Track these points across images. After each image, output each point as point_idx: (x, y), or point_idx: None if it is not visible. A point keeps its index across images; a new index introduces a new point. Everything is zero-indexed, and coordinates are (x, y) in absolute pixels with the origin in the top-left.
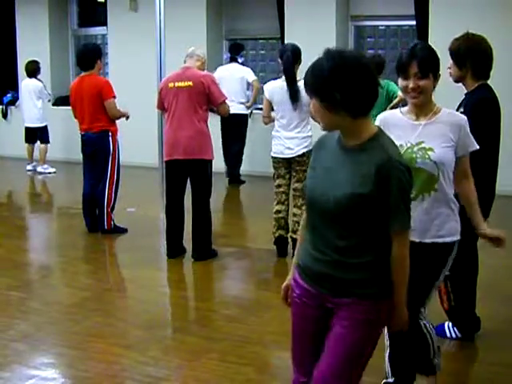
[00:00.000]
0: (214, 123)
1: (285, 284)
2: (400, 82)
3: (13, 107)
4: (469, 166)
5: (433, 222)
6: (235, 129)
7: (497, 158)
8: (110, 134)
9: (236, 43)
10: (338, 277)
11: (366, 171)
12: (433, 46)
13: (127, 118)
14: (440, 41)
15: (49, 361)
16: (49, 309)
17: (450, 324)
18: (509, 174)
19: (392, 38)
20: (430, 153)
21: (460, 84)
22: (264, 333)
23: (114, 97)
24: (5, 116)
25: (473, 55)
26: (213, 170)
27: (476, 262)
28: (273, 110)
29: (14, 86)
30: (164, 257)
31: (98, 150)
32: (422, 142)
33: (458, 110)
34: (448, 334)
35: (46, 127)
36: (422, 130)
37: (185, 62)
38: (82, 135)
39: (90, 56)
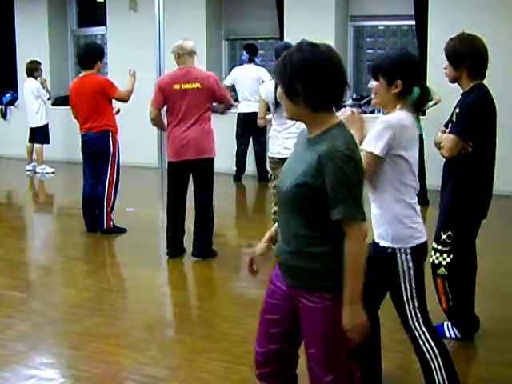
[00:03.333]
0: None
1: (251, 250)
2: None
3: (12, 107)
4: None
5: (380, 226)
6: (256, 127)
7: (493, 158)
8: (111, 134)
9: (251, 44)
10: (297, 266)
11: (311, 161)
12: (431, 46)
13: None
14: (439, 41)
15: (48, 361)
16: (48, 309)
17: (449, 324)
18: (507, 174)
19: (391, 38)
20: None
21: (456, 84)
22: None
23: (117, 89)
24: (4, 116)
25: (468, 55)
26: (215, 170)
27: (474, 262)
28: (269, 110)
29: (14, 86)
30: (164, 257)
31: (98, 150)
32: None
33: (454, 109)
34: (447, 334)
35: (43, 127)
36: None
37: (176, 56)
38: (83, 135)
39: (92, 55)
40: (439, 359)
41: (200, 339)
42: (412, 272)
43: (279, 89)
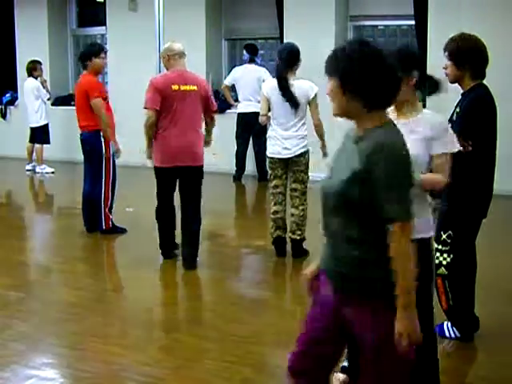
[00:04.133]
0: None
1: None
2: None
3: (12, 107)
4: (443, 164)
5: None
6: (257, 127)
7: (494, 158)
8: (102, 133)
9: (252, 44)
10: (345, 272)
11: (358, 159)
12: (431, 46)
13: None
14: (439, 40)
15: (48, 361)
16: (48, 309)
17: (449, 324)
18: (507, 174)
19: (391, 38)
20: None
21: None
22: (264, 333)
23: (99, 97)
24: (4, 116)
25: (472, 55)
26: (215, 170)
27: (474, 262)
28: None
29: (14, 86)
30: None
31: (91, 149)
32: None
33: (455, 110)
34: (447, 334)
35: (43, 127)
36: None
37: (166, 58)
38: (80, 135)
39: (83, 56)
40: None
41: (200, 339)
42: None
43: (332, 82)
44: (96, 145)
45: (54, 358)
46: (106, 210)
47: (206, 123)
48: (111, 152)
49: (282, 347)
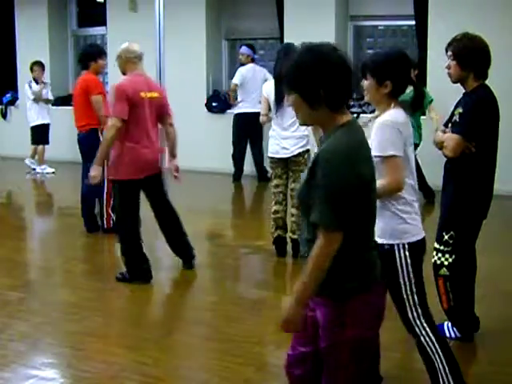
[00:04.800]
0: (216, 123)
1: None
2: None
3: (12, 107)
4: (384, 170)
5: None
6: (257, 127)
7: (495, 159)
8: (99, 132)
9: (251, 44)
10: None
11: (312, 163)
12: (432, 46)
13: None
14: (439, 41)
15: (48, 361)
16: (48, 309)
17: (450, 324)
18: (507, 174)
19: (391, 38)
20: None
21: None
22: (264, 333)
23: (101, 93)
24: (4, 116)
25: (477, 56)
26: (214, 169)
27: (474, 262)
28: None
29: (14, 86)
30: (164, 257)
31: (89, 149)
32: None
33: (455, 109)
34: (447, 334)
35: (38, 127)
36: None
37: (124, 61)
38: (77, 135)
39: (87, 56)
40: (441, 355)
41: (200, 339)
42: (410, 268)
43: (294, 97)
44: (94, 144)
45: (54, 357)
46: (108, 209)
47: (167, 133)
48: None
49: (282, 347)
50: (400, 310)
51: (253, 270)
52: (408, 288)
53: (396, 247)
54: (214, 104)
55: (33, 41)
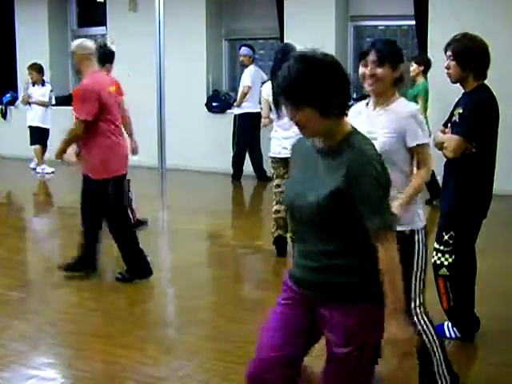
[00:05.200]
0: (216, 123)
1: None
2: (360, 69)
3: (12, 107)
4: (422, 157)
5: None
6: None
7: (494, 159)
8: None
9: (250, 44)
10: (322, 281)
11: (339, 172)
12: (432, 46)
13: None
14: (439, 41)
15: (49, 361)
16: (48, 309)
17: (450, 324)
18: (507, 174)
19: (391, 38)
20: (375, 142)
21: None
22: None
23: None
24: (4, 116)
25: (478, 56)
26: (214, 170)
27: (474, 262)
28: (271, 110)
29: (14, 87)
30: (164, 257)
31: None
32: (373, 131)
33: (454, 109)
34: (447, 334)
35: (36, 129)
36: (375, 119)
37: (80, 57)
38: None
39: (110, 56)
40: (438, 345)
41: (200, 339)
42: (426, 251)
43: (305, 113)
44: None
45: (54, 357)
46: None
47: (123, 116)
48: None
49: None
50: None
51: (253, 270)
52: (419, 274)
53: (416, 232)
54: (214, 104)
55: (33, 41)
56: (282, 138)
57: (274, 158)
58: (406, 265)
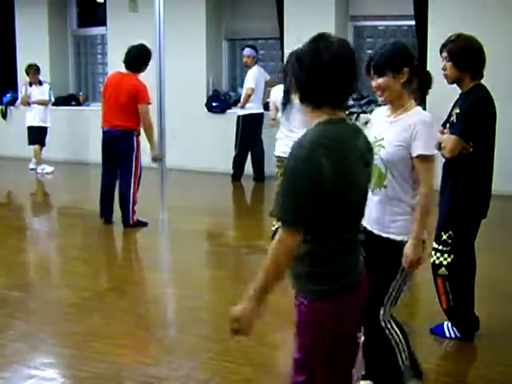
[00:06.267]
0: (216, 123)
1: None
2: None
3: (12, 107)
4: (420, 169)
5: (384, 216)
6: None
7: (492, 158)
8: (135, 134)
9: (253, 45)
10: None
11: None
12: (431, 46)
13: (156, 158)
14: (439, 41)
15: (49, 361)
16: (48, 309)
17: (449, 324)
18: (507, 174)
19: (391, 38)
20: (382, 150)
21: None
22: (264, 333)
23: (149, 103)
24: (4, 116)
25: (474, 56)
26: (219, 170)
27: (474, 262)
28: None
29: (14, 87)
30: (164, 257)
31: (123, 148)
32: (383, 138)
33: (452, 109)
34: (447, 334)
35: (29, 128)
36: (387, 127)
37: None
38: (106, 131)
39: (147, 59)
40: (403, 340)
41: (200, 339)
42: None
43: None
44: (128, 143)
45: (54, 357)
46: (134, 207)
47: None
48: (140, 151)
49: (284, 348)
50: (374, 301)
51: (253, 270)
52: (399, 283)
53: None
54: (214, 104)
55: (33, 41)
56: (287, 139)
57: (278, 156)
58: (388, 271)
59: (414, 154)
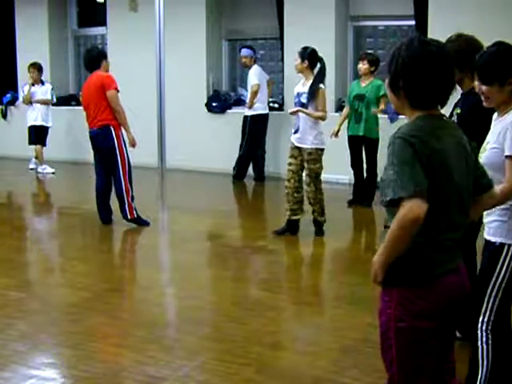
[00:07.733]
0: (217, 123)
1: None
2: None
3: (12, 107)
4: (507, 170)
5: (487, 217)
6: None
7: None
8: (112, 128)
9: (250, 45)
10: None
11: None
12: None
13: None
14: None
15: (49, 361)
16: (49, 309)
17: None
18: None
19: (391, 38)
20: (483, 153)
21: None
22: (264, 333)
23: (116, 89)
24: (4, 116)
25: (473, 56)
26: (219, 170)
27: (474, 261)
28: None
29: (14, 87)
30: (164, 256)
31: (104, 145)
32: (488, 141)
33: (453, 110)
34: None
35: (31, 128)
36: (492, 129)
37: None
38: (89, 131)
39: (100, 55)
40: (489, 365)
41: (201, 339)
42: (509, 270)
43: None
44: (109, 139)
45: (54, 357)
46: (129, 199)
47: None
48: (123, 144)
49: (282, 347)
50: (475, 303)
51: (253, 270)
52: (495, 290)
53: (506, 247)
54: (213, 104)
55: (33, 41)
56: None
57: (292, 143)
58: (484, 275)
59: (507, 153)
